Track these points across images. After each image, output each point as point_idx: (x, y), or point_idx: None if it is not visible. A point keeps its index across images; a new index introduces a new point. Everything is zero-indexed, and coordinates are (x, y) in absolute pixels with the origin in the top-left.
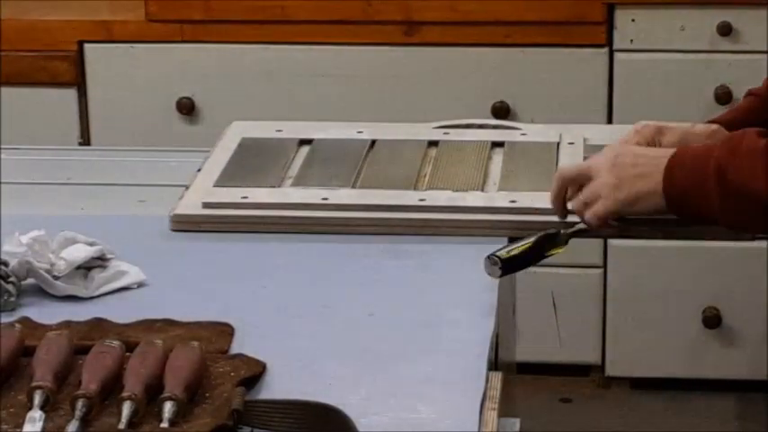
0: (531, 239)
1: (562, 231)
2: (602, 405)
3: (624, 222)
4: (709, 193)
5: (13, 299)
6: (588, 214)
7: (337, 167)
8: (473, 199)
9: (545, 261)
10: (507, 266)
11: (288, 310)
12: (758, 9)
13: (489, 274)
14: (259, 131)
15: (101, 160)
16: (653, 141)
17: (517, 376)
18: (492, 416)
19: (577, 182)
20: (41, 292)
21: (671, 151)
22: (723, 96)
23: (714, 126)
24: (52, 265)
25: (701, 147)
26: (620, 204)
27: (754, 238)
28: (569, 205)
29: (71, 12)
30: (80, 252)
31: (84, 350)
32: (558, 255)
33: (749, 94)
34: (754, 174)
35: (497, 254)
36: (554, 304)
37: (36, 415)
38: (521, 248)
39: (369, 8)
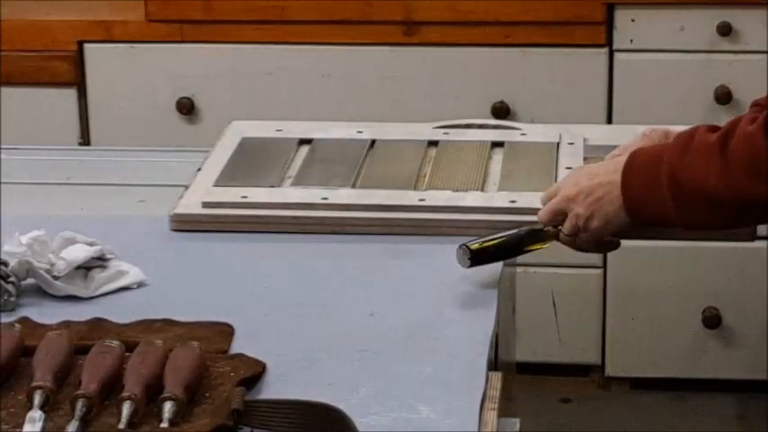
0: (511, 232)
1: (547, 228)
2: (602, 405)
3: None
4: (663, 196)
5: (13, 299)
6: (578, 246)
7: (337, 167)
8: (473, 199)
9: (545, 261)
10: (477, 257)
11: (288, 310)
12: (758, 9)
13: (460, 263)
14: (259, 131)
15: (101, 160)
16: None
17: (517, 376)
18: (492, 416)
19: (558, 218)
20: (41, 292)
21: (622, 162)
22: (723, 96)
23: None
24: (52, 265)
25: (652, 148)
26: (599, 232)
27: (752, 239)
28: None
29: (71, 12)
30: (80, 252)
31: (84, 350)
32: (559, 255)
33: (754, 104)
34: (706, 171)
35: (469, 244)
36: (554, 304)
37: (36, 415)
38: (496, 241)
39: (369, 8)
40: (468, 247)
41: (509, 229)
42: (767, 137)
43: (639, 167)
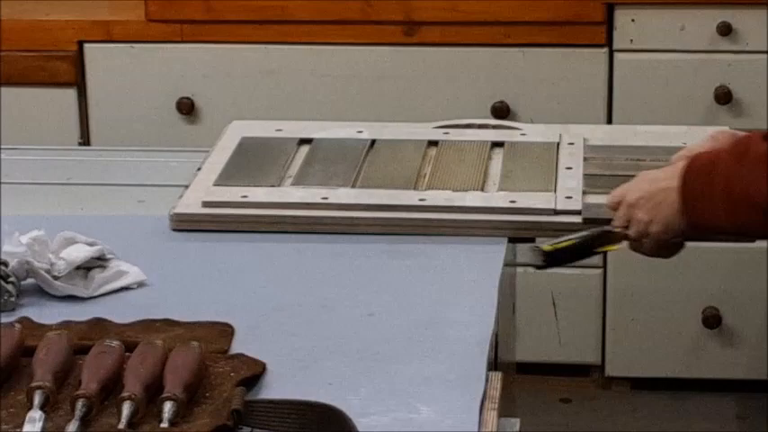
0: (583, 234)
1: (616, 229)
2: (602, 405)
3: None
4: (716, 204)
5: (13, 299)
6: (643, 251)
7: (337, 167)
8: (473, 199)
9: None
10: (550, 259)
11: (288, 310)
12: (758, 9)
13: (533, 264)
14: (259, 131)
15: (101, 160)
16: None
17: (517, 376)
18: (492, 416)
19: (627, 222)
20: (41, 292)
21: (681, 168)
22: (723, 96)
23: None
24: (52, 265)
25: (710, 154)
26: (659, 237)
27: (752, 239)
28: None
29: (71, 12)
30: (80, 252)
31: (84, 350)
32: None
33: None
34: (759, 179)
35: (541, 245)
36: (554, 304)
37: (36, 415)
38: (567, 243)
39: (369, 8)
40: (540, 248)
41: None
42: None
43: (695, 176)
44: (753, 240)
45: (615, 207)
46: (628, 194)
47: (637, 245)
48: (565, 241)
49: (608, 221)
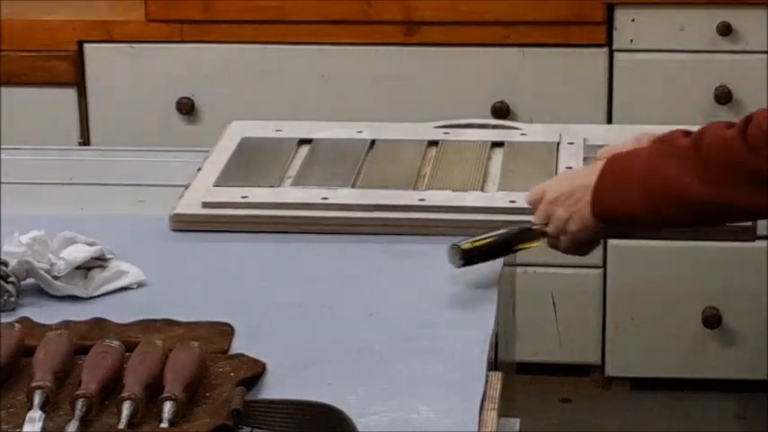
0: (501, 232)
1: (535, 227)
2: (602, 405)
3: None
4: (633, 195)
5: (13, 299)
6: (561, 248)
7: (337, 167)
8: (473, 199)
9: (545, 261)
10: (468, 257)
11: (288, 310)
12: (758, 9)
13: (451, 263)
14: (259, 131)
15: (101, 160)
16: None
17: (517, 376)
18: (492, 416)
19: (547, 219)
20: (41, 292)
21: (599, 167)
22: (723, 96)
23: None
24: (52, 265)
25: (629, 152)
26: (577, 234)
27: (752, 239)
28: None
29: (71, 12)
30: (80, 252)
31: (84, 350)
32: (559, 255)
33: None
34: (680, 171)
35: (459, 243)
36: (554, 304)
37: (36, 415)
38: (486, 241)
39: (369, 8)
40: (459, 246)
41: (498, 228)
42: (744, 141)
43: (613, 170)
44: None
45: (535, 204)
46: (548, 191)
47: (554, 242)
48: (483, 239)
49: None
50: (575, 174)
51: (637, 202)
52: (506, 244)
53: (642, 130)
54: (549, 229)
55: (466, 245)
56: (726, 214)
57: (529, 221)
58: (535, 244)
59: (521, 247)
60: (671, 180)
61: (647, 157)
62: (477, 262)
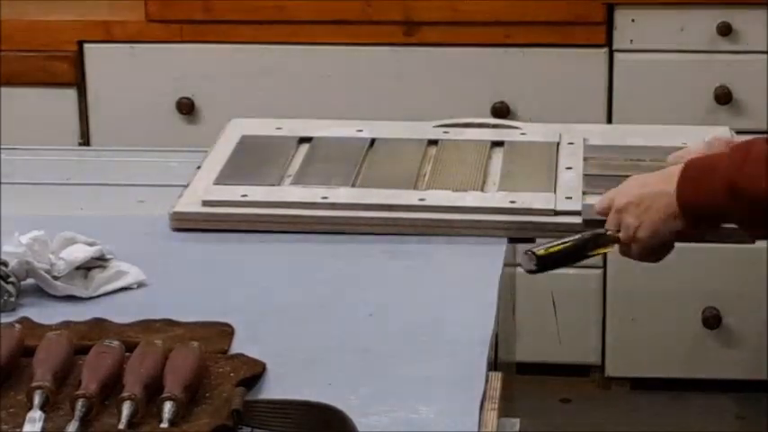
0: (575, 237)
1: (609, 233)
2: (602, 405)
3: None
4: (721, 202)
5: (13, 299)
6: (631, 255)
7: (337, 166)
8: (472, 199)
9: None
10: (543, 263)
11: (288, 310)
12: (758, 9)
13: (524, 268)
14: (259, 129)
15: (101, 160)
16: None
17: (517, 376)
18: (492, 416)
19: (615, 223)
20: (41, 292)
21: (675, 172)
22: (723, 96)
23: None
24: (52, 265)
25: (707, 158)
26: (649, 242)
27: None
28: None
29: (71, 12)
30: (80, 252)
31: (84, 350)
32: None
33: None
34: (761, 177)
35: (534, 250)
36: (554, 304)
37: (36, 415)
38: (561, 246)
39: (369, 8)
40: (534, 253)
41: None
42: None
43: (694, 177)
44: (751, 240)
45: (606, 212)
46: (617, 198)
47: (625, 249)
48: (558, 245)
49: (602, 224)
50: (646, 180)
51: (721, 203)
52: (580, 250)
53: (714, 135)
54: (621, 236)
55: (541, 251)
56: None
57: (602, 227)
58: (608, 249)
59: (594, 252)
60: (755, 184)
61: (728, 162)
62: (551, 268)
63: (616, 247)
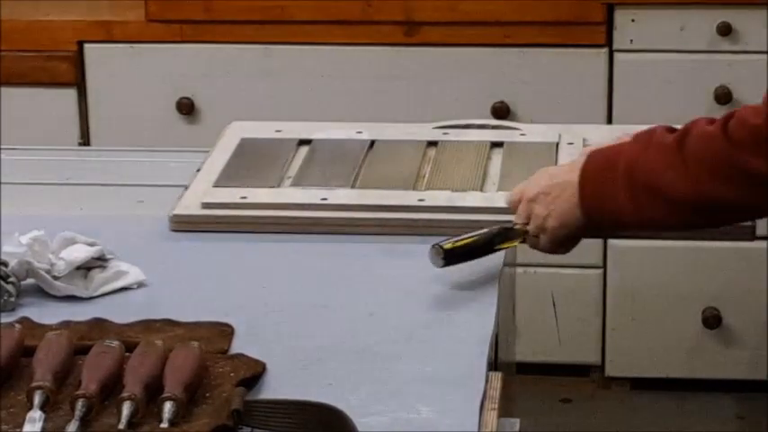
0: (482, 231)
1: (516, 226)
2: (602, 405)
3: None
4: (619, 194)
5: (13, 299)
6: (540, 247)
7: (336, 168)
8: (472, 199)
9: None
10: (449, 257)
11: (288, 310)
12: (758, 9)
13: (433, 263)
14: (258, 132)
15: (101, 160)
16: None
17: (517, 376)
18: (492, 416)
19: (525, 214)
20: (41, 292)
21: (581, 162)
22: (723, 96)
23: None
24: (52, 265)
25: (611, 148)
26: (557, 232)
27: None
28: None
29: (71, 12)
30: (80, 252)
31: (84, 350)
32: (558, 255)
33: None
34: (663, 167)
35: (442, 243)
36: (554, 304)
37: (36, 415)
38: (467, 240)
39: (369, 8)
40: (440, 246)
41: (478, 228)
42: (726, 137)
43: (596, 166)
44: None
45: (516, 204)
46: (527, 190)
47: (535, 241)
48: (465, 239)
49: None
50: (554, 171)
51: (622, 198)
52: (488, 244)
53: (623, 130)
54: (530, 227)
55: (447, 245)
56: (709, 212)
57: (510, 221)
58: (516, 243)
59: (502, 246)
60: (654, 174)
61: (630, 150)
62: (458, 262)
63: (526, 240)
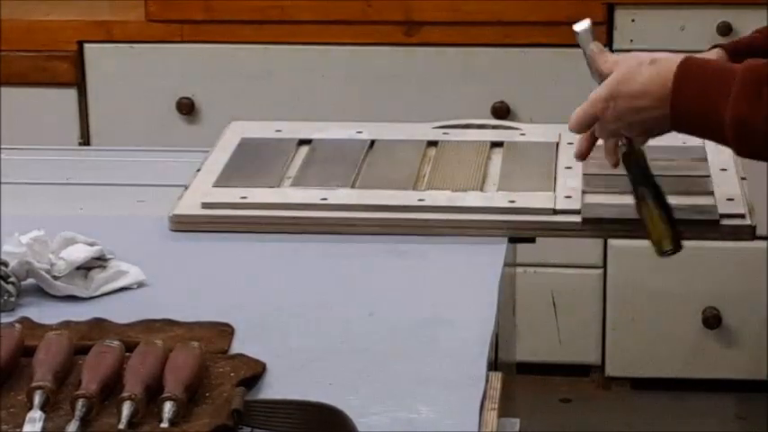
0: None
1: (622, 143)
2: (602, 405)
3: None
4: (720, 118)
5: (13, 299)
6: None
7: (336, 167)
8: (472, 199)
9: (545, 261)
10: (677, 243)
11: (288, 310)
12: (758, 9)
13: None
14: (258, 131)
15: (101, 160)
16: None
17: (517, 376)
18: (492, 416)
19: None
20: (41, 292)
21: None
22: None
23: (718, 50)
24: (52, 265)
25: (714, 65)
26: (629, 99)
27: (752, 238)
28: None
29: (71, 12)
30: (80, 252)
31: (84, 350)
32: (559, 255)
33: (755, 31)
34: None
35: (664, 249)
36: (554, 304)
37: (36, 415)
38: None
39: (369, 8)
40: (666, 250)
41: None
42: None
43: (698, 73)
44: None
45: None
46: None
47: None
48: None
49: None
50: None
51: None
52: (642, 174)
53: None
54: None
55: (668, 246)
56: None
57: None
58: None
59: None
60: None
61: (737, 97)
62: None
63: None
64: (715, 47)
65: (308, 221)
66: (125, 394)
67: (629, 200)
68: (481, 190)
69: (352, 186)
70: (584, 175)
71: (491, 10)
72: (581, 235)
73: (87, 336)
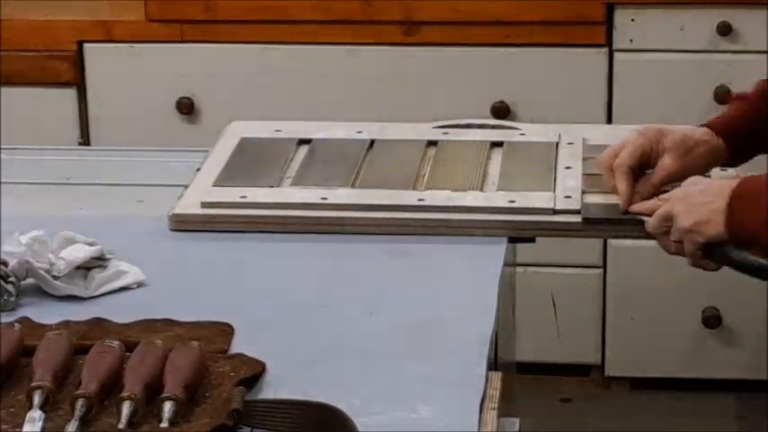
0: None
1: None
2: (602, 405)
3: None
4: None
5: (13, 299)
6: (687, 255)
7: (336, 167)
8: (472, 199)
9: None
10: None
11: (288, 309)
12: (758, 9)
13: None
14: (258, 131)
15: (101, 160)
16: (656, 143)
17: (517, 376)
18: (492, 416)
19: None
20: (41, 292)
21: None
22: (722, 96)
23: (707, 130)
24: (52, 265)
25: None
26: (699, 239)
27: None
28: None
29: (71, 12)
30: (80, 252)
31: (84, 350)
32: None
33: (737, 98)
34: None
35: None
36: (554, 304)
37: (36, 415)
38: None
39: (369, 8)
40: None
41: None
42: None
43: (745, 193)
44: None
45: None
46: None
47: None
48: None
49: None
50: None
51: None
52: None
53: (645, 126)
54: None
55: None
56: None
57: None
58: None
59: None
60: None
61: None
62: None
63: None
64: (702, 126)
65: (307, 221)
66: (125, 394)
67: None
68: (481, 190)
69: (352, 186)
70: (584, 175)
71: (491, 10)
72: (581, 235)
73: (87, 336)
